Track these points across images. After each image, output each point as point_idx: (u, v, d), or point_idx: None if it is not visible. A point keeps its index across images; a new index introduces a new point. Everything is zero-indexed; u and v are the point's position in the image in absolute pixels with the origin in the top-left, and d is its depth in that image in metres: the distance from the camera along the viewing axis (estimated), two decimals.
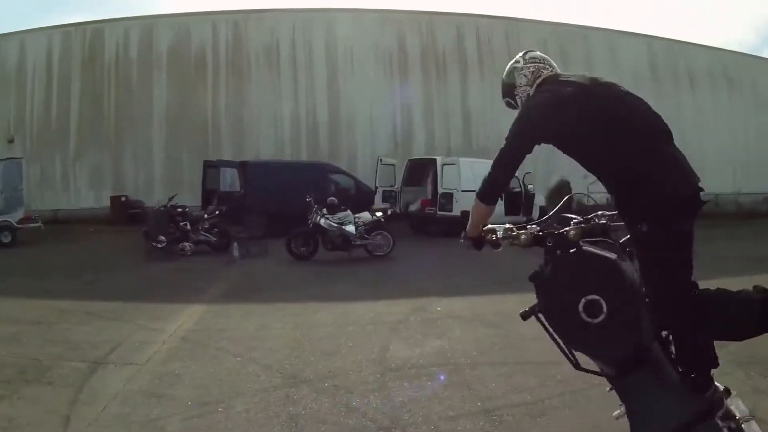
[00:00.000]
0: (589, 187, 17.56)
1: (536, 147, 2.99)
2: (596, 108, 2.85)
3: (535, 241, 2.88)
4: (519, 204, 19.22)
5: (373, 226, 13.82)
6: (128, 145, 24.66)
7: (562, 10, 58.20)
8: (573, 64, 25.24)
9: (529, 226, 3.02)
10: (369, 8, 26.23)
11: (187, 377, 5.38)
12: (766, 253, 12.75)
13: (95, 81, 24.80)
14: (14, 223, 16.68)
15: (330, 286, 10.10)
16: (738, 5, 61.31)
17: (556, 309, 2.72)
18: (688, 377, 2.69)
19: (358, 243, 13.50)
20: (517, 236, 2.91)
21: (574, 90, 2.92)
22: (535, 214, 19.76)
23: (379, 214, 14.08)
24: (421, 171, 20.41)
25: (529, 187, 19.54)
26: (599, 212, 3.06)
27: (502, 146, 2.97)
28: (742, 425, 2.63)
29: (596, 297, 2.63)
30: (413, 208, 19.79)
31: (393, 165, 20.91)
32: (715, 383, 2.72)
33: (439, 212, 18.35)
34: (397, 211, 18.69)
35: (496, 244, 2.98)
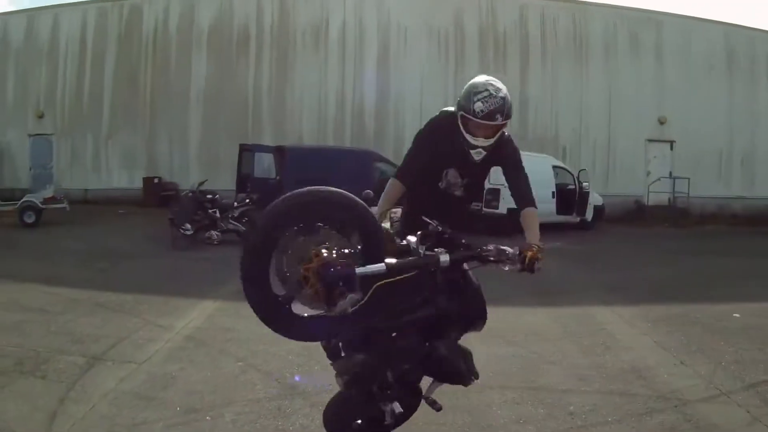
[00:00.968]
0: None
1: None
2: None
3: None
4: (572, 202, 18.96)
5: None
6: (163, 125, 25.31)
7: None
8: (643, 51, 24.72)
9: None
10: None
11: (182, 380, 5.56)
12: None
13: (131, 58, 25.52)
14: (39, 204, 17.26)
15: None
16: None
17: None
18: None
19: None
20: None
21: None
22: (589, 214, 19.45)
23: None
24: None
25: (585, 184, 19.23)
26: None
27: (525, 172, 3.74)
28: None
29: None
30: None
31: None
32: None
33: (484, 209, 18.21)
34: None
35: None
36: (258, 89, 25.65)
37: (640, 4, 38.07)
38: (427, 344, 3.42)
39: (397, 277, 3.04)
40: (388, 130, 25.04)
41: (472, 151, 3.69)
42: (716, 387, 5.42)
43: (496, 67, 24.96)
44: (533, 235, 3.44)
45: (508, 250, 3.19)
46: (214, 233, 14.97)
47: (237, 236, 15.42)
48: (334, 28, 25.64)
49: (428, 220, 3.38)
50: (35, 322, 7.17)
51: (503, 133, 3.69)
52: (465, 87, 3.62)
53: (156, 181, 23.94)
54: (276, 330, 3.16)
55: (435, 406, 3.63)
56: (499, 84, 3.59)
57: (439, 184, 3.93)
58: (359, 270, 2.98)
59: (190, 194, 15.62)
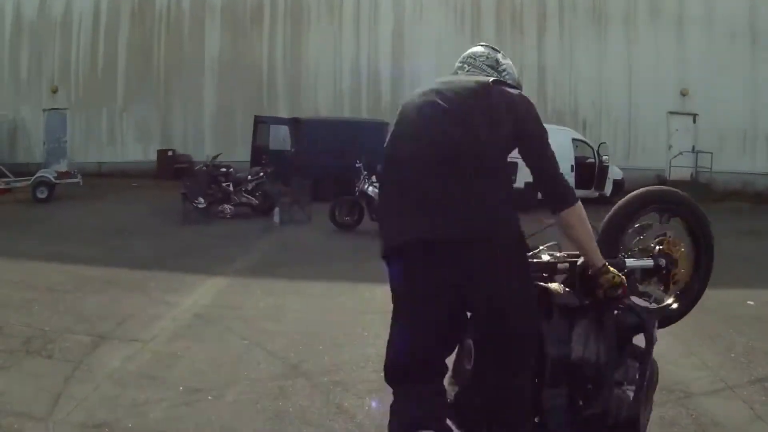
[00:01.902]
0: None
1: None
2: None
3: None
4: (591, 177, 18.79)
5: None
6: (177, 97, 25.44)
7: None
8: (664, 20, 24.13)
9: None
10: None
11: (187, 359, 5.62)
12: None
13: (144, 30, 25.60)
14: (52, 179, 17.47)
15: (364, 263, 10.13)
16: None
17: None
18: None
19: None
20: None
21: None
22: (608, 189, 19.26)
23: None
24: None
25: (604, 158, 19.06)
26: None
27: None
28: None
29: None
30: None
31: None
32: None
33: None
34: None
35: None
36: (272, 60, 25.64)
37: None
38: None
39: None
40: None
41: None
42: (722, 380, 5.35)
43: (513, 37, 24.68)
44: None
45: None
46: (227, 207, 15.09)
47: (251, 209, 15.53)
48: None
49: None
50: (44, 301, 7.26)
51: None
52: None
53: (170, 153, 24.10)
54: None
55: None
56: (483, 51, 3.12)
57: None
58: None
59: (204, 168, 15.72)
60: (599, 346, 2.78)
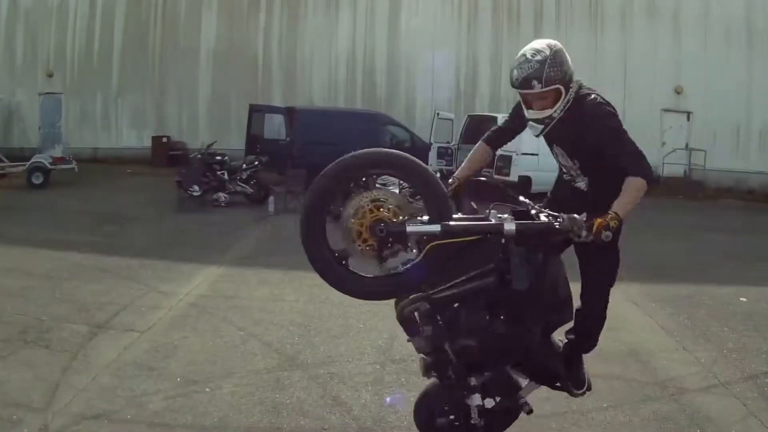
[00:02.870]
0: None
1: None
2: None
3: None
4: None
5: None
6: (173, 84, 25.29)
7: None
8: (660, 18, 24.08)
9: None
10: None
11: (183, 350, 5.65)
12: None
13: (140, 16, 25.40)
14: (47, 164, 17.35)
15: None
16: None
17: None
18: None
19: None
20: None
21: None
22: None
23: None
24: (480, 128, 20.05)
25: None
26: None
27: (627, 138, 3.18)
28: None
29: None
30: None
31: (451, 120, 20.71)
32: None
33: (495, 176, 18.14)
34: (453, 170, 18.46)
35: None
36: (268, 48, 25.53)
37: None
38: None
39: (453, 240, 2.93)
40: (398, 93, 24.92)
41: (529, 128, 3.47)
42: (715, 376, 5.41)
43: (509, 31, 24.65)
44: (617, 203, 2.99)
45: (577, 217, 2.91)
46: (222, 195, 15.09)
47: (245, 198, 15.53)
48: None
49: (515, 195, 3.27)
50: (40, 289, 7.26)
51: (568, 100, 3.27)
52: None
53: (165, 140, 23.99)
54: (330, 284, 3.13)
55: (524, 408, 3.53)
56: (543, 45, 3.23)
57: (561, 168, 3.69)
58: (410, 228, 2.92)
59: (199, 156, 15.69)
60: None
